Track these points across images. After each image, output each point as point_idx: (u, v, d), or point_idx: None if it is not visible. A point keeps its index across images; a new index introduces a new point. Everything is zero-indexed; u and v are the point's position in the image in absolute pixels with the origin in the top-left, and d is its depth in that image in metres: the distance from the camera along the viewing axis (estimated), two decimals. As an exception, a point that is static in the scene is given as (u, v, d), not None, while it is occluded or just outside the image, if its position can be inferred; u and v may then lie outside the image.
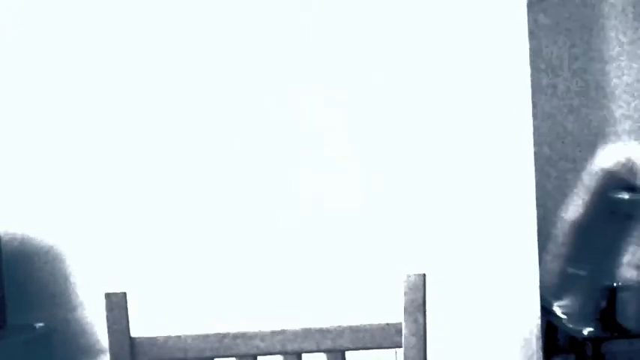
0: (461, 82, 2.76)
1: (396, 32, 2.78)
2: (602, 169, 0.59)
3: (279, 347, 1.39)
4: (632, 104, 3.59)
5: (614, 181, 0.62)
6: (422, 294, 1.36)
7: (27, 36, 2.88)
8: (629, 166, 0.58)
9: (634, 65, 3.70)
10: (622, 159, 0.59)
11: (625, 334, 2.72)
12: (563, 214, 3.19)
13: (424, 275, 1.36)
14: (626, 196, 0.56)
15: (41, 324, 2.79)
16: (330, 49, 2.80)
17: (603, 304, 2.73)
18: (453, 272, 2.74)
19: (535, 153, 3.37)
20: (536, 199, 2.73)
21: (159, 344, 1.38)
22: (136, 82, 2.84)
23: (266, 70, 2.81)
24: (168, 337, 1.38)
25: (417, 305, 1.35)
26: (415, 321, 1.36)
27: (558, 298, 2.92)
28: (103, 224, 2.85)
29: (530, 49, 2.75)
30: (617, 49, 3.70)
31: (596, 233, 0.58)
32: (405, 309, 1.35)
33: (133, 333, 1.40)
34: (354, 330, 1.38)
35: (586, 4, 3.38)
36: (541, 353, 2.76)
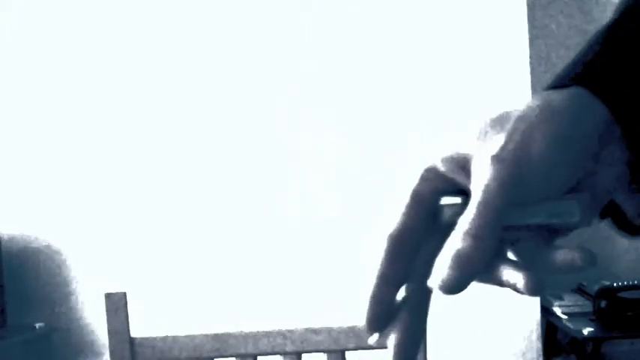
0: (461, 83, 2.76)
1: (396, 31, 2.78)
2: (428, 169, 0.46)
3: (279, 347, 1.39)
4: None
5: (442, 183, 0.46)
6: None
7: (27, 36, 2.88)
8: (459, 164, 0.42)
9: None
10: (451, 154, 0.44)
11: (625, 334, 2.72)
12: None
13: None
14: (446, 201, 0.45)
15: (41, 324, 2.79)
16: (329, 51, 2.80)
17: (603, 304, 2.73)
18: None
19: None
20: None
21: (159, 344, 1.38)
22: (136, 82, 2.84)
23: (266, 71, 2.82)
24: (168, 337, 1.38)
25: (417, 305, 1.35)
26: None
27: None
28: (103, 224, 2.85)
29: (531, 49, 2.76)
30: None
31: (416, 247, 0.45)
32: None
33: (133, 333, 1.40)
34: (354, 330, 1.38)
35: (583, 10, 3.38)
36: (541, 353, 2.76)
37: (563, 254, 0.49)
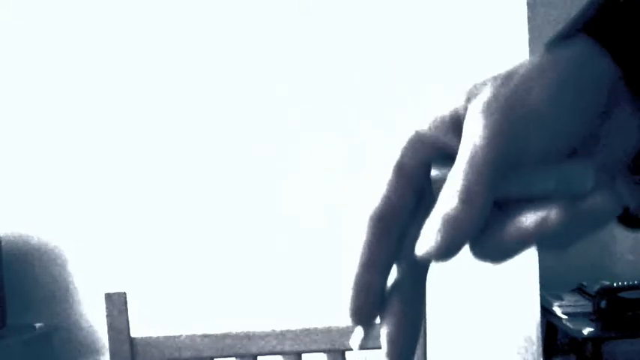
0: (460, 84, 2.76)
1: (395, 33, 2.78)
2: (412, 137, 0.41)
3: (279, 347, 1.39)
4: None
5: (431, 151, 0.39)
6: (422, 294, 1.35)
7: (27, 36, 2.88)
8: (451, 125, 0.38)
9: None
10: (441, 114, 0.39)
11: (625, 334, 2.72)
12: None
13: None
14: (436, 173, 0.37)
15: (41, 324, 2.79)
16: (329, 51, 2.80)
17: (603, 304, 2.73)
18: (453, 272, 2.74)
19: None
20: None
21: (159, 344, 1.38)
22: (136, 82, 2.84)
23: (265, 71, 2.82)
24: (168, 337, 1.38)
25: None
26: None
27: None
28: (103, 224, 2.85)
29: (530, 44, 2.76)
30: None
31: (404, 228, 0.39)
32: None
33: (133, 333, 1.40)
34: (354, 330, 1.38)
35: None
36: (541, 353, 2.76)
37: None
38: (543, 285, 2.81)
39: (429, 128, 0.44)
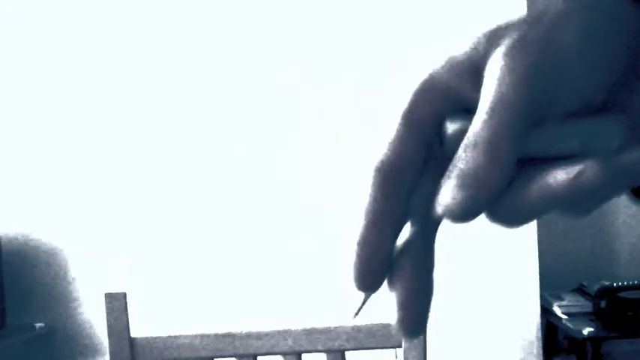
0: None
1: (395, 29, 2.78)
2: (425, 83, 0.36)
3: (279, 347, 1.39)
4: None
5: (445, 101, 0.35)
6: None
7: (27, 36, 2.88)
8: (468, 70, 0.35)
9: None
10: (457, 57, 0.34)
11: (625, 334, 2.72)
12: None
13: (424, 275, 1.36)
14: (451, 125, 0.34)
15: (41, 324, 2.79)
16: (332, 46, 2.80)
17: (603, 304, 2.73)
18: (453, 272, 2.74)
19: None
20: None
21: (159, 344, 1.38)
22: (136, 83, 2.84)
23: (265, 70, 2.81)
24: (168, 337, 1.38)
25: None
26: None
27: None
28: (103, 224, 2.85)
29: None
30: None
31: (413, 184, 0.35)
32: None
33: (133, 333, 1.40)
34: (354, 330, 1.38)
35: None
36: (541, 353, 2.76)
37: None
38: (543, 285, 2.81)
39: (444, 73, 0.39)
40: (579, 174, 0.35)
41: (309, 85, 2.80)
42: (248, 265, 2.80)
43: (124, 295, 1.37)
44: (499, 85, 0.36)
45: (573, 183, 0.35)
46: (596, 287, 2.83)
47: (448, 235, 2.75)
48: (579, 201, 0.36)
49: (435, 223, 0.40)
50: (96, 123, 2.86)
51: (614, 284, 2.79)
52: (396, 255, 0.40)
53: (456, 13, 2.77)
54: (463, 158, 0.36)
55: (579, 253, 3.21)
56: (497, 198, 0.36)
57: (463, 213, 0.36)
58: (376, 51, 2.79)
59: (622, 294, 2.75)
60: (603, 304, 2.73)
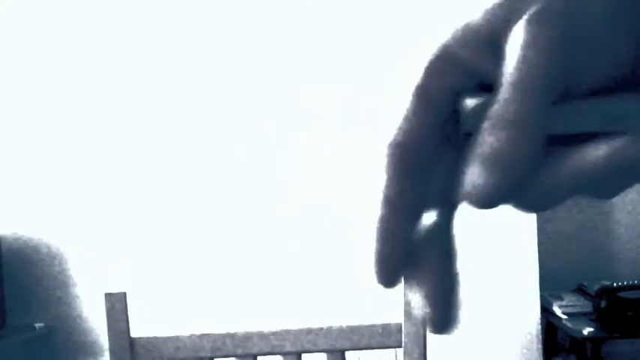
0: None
1: (394, 26, 2.78)
2: (438, 57, 0.39)
3: (279, 347, 1.39)
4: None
5: (460, 76, 0.32)
6: (422, 294, 1.35)
7: (27, 36, 2.88)
8: (485, 43, 0.37)
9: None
10: (474, 27, 0.38)
11: (625, 334, 2.72)
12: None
13: (424, 275, 1.36)
14: (467, 103, 0.33)
15: (41, 324, 2.79)
16: (332, 47, 2.80)
17: (603, 304, 2.73)
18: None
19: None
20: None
21: (159, 344, 1.38)
22: (136, 83, 2.84)
23: (265, 70, 2.82)
24: (168, 337, 1.38)
25: (417, 305, 1.35)
26: (415, 321, 1.36)
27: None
28: (103, 224, 2.86)
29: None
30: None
31: (429, 165, 0.33)
32: (405, 309, 1.35)
33: (133, 333, 1.40)
34: (354, 330, 1.38)
35: None
36: (541, 353, 2.76)
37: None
38: (543, 285, 2.81)
39: (458, 46, 0.36)
40: (617, 151, 0.33)
41: (309, 85, 2.81)
42: (248, 265, 2.80)
43: (124, 295, 1.37)
44: (524, 58, 0.33)
45: (610, 161, 0.33)
46: (596, 287, 2.83)
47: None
48: (611, 181, 0.34)
49: (451, 212, 0.38)
50: (96, 124, 2.86)
51: (614, 284, 2.79)
52: (416, 245, 0.37)
53: (457, 14, 2.77)
54: (487, 139, 0.33)
55: (579, 253, 3.21)
56: (525, 181, 0.34)
57: (491, 199, 0.33)
58: (376, 51, 2.79)
59: (622, 294, 2.75)
60: (603, 304, 2.73)
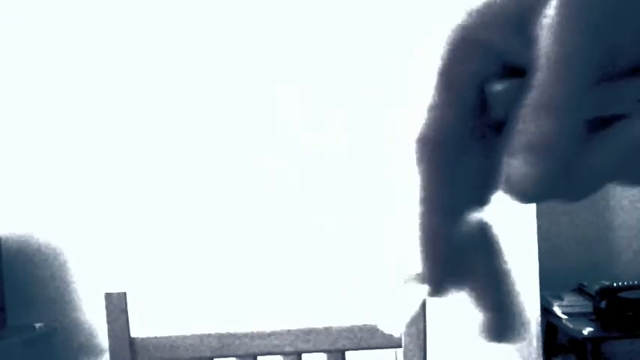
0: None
1: (394, 24, 2.78)
2: (459, 40, 0.34)
3: (279, 347, 1.39)
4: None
5: (485, 60, 0.34)
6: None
7: (27, 36, 2.88)
8: (513, 24, 0.33)
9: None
10: (498, 3, 0.33)
11: (625, 334, 2.72)
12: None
13: (424, 275, 1.36)
14: (497, 88, 0.34)
15: (41, 324, 2.79)
16: (334, 45, 2.80)
17: (603, 304, 2.73)
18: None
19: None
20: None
21: (159, 344, 1.38)
22: (136, 83, 2.84)
23: (265, 71, 2.81)
24: (168, 337, 1.38)
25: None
26: (415, 321, 1.36)
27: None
28: (103, 224, 2.86)
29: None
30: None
31: (459, 160, 0.30)
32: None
33: (133, 333, 1.40)
34: (354, 330, 1.38)
35: None
36: (541, 353, 2.76)
37: None
38: (543, 285, 2.81)
39: (480, 28, 0.33)
40: None
41: (309, 85, 2.81)
42: (248, 265, 2.80)
43: (124, 295, 1.37)
44: (560, 38, 0.31)
45: None
46: (596, 287, 2.83)
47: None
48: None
49: (490, 203, 0.35)
50: (96, 123, 2.86)
51: (614, 284, 2.79)
52: (459, 246, 0.34)
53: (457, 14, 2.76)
54: (528, 126, 0.31)
55: (579, 253, 3.21)
56: (570, 169, 0.31)
57: (538, 191, 0.31)
58: (377, 51, 2.79)
59: (622, 294, 2.75)
60: (603, 304, 2.73)
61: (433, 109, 0.34)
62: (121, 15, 2.85)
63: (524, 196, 0.31)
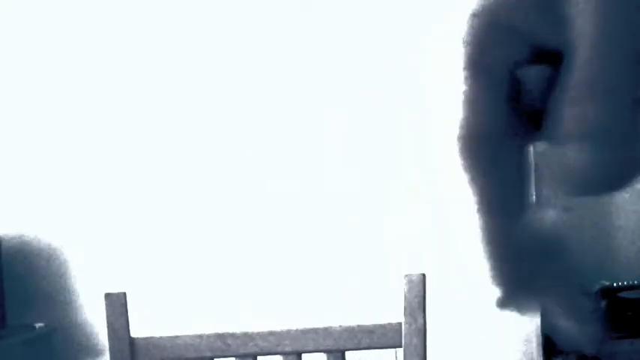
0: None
1: (395, 24, 2.78)
2: (485, 25, 0.31)
3: (279, 347, 1.39)
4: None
5: (515, 46, 0.32)
6: (422, 294, 1.36)
7: (27, 36, 2.88)
8: (544, 6, 0.31)
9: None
10: None
11: (625, 334, 2.72)
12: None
13: (424, 275, 1.37)
14: (532, 73, 0.32)
15: (41, 324, 2.79)
16: (329, 50, 2.80)
17: (603, 304, 2.73)
18: (453, 272, 2.74)
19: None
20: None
21: (159, 344, 1.38)
22: (136, 83, 2.84)
23: (265, 71, 2.81)
24: (168, 337, 1.38)
25: (417, 305, 1.35)
26: (415, 321, 1.36)
27: None
28: (103, 224, 2.85)
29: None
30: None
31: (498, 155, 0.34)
32: (405, 309, 1.35)
33: (133, 333, 1.40)
34: (354, 330, 1.38)
35: None
36: (541, 353, 2.76)
37: None
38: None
39: (506, 11, 0.31)
40: None
41: (309, 85, 2.80)
42: (248, 265, 2.80)
43: (124, 295, 1.37)
44: (599, 18, 0.29)
45: None
46: (596, 287, 2.83)
47: (449, 236, 2.75)
48: None
49: (540, 199, 0.33)
50: (95, 123, 2.86)
51: (614, 284, 2.79)
52: (524, 247, 0.33)
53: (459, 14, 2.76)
54: (574, 111, 0.29)
55: (579, 253, 3.20)
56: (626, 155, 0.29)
57: (603, 180, 0.29)
58: (371, 49, 2.79)
59: (622, 294, 2.75)
60: (603, 304, 2.73)
61: (468, 101, 0.32)
62: (122, 15, 2.85)
63: (586, 188, 0.29)
